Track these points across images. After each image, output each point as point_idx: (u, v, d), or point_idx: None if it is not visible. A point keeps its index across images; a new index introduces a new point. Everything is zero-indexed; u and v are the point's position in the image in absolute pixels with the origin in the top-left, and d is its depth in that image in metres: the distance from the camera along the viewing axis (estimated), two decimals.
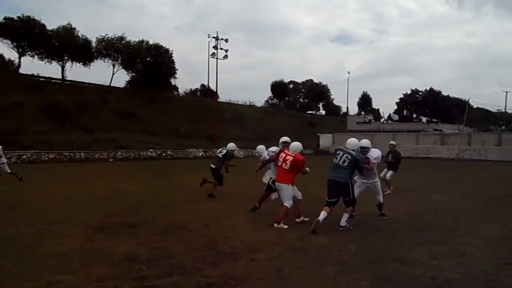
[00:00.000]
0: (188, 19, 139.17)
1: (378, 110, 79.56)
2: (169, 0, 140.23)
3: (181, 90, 57.43)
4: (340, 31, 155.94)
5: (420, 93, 73.03)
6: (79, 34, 38.07)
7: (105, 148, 28.03)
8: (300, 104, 76.93)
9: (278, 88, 66.36)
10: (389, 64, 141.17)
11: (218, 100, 46.17)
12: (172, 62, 44.48)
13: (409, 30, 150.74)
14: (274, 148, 8.16)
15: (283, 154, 7.10)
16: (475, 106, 67.43)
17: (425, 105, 70.91)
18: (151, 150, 30.19)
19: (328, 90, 75.97)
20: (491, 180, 16.24)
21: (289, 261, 4.78)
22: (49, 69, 79.46)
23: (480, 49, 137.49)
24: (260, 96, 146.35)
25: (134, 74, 43.57)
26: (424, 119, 54.25)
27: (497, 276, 4.39)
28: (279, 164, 7.09)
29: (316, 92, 74.61)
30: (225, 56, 40.63)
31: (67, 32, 36.96)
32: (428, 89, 72.04)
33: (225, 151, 10.32)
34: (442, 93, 71.68)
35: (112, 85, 41.56)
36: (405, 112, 62.43)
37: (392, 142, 12.73)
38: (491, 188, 13.27)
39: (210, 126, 38.37)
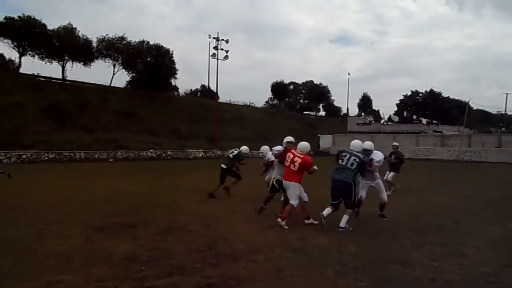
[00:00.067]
0: (189, 19, 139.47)
1: (378, 111, 79.71)
2: (170, 0, 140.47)
3: (181, 91, 57.59)
4: (341, 32, 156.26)
5: (420, 94, 73.03)
6: (80, 34, 38.15)
7: (105, 148, 28.03)
8: (300, 105, 76.96)
9: (278, 89, 66.37)
10: (389, 65, 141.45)
11: (218, 100, 46.16)
12: (173, 62, 44.54)
13: (409, 31, 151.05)
14: (278, 147, 8.09)
15: (290, 155, 7.07)
16: (475, 108, 67.66)
17: (425, 107, 70.89)
18: (151, 150, 30.19)
19: (329, 91, 76.12)
20: (491, 182, 16.22)
21: (290, 262, 4.78)
22: (50, 69, 79.80)
23: (480, 51, 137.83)
24: (260, 97, 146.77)
25: (134, 74, 43.61)
26: (424, 121, 54.23)
27: (497, 277, 4.39)
28: (287, 164, 7.07)
29: (317, 93, 74.68)
30: (226, 57, 40.64)
31: (68, 32, 36.99)
32: (428, 90, 72.09)
33: (236, 152, 10.35)
34: (442, 94, 71.75)
35: (112, 85, 41.62)
36: (405, 114, 62.38)
37: (395, 143, 12.77)
38: (491, 189, 13.26)
39: (210, 126, 38.36)
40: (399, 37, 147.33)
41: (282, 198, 7.80)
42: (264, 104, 69.73)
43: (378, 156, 7.53)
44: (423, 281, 4.25)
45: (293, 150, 7.18)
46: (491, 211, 8.90)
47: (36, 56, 36.84)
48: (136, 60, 41.61)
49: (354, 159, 6.74)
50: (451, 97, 72.51)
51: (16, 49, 36.06)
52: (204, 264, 4.62)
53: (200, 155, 33.41)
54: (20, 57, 36.84)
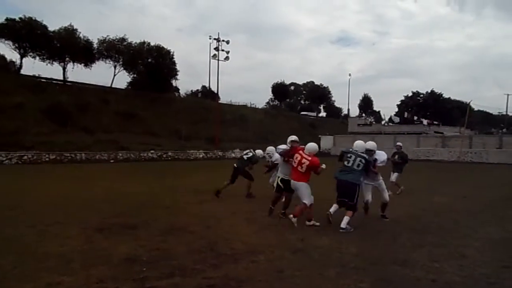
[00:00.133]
0: (190, 20, 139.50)
1: (379, 112, 79.59)
2: (171, 1, 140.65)
3: (182, 92, 57.72)
4: (341, 33, 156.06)
5: (421, 95, 73.05)
6: (81, 35, 38.26)
7: (106, 149, 28.05)
8: (301, 106, 77.00)
9: (279, 89, 66.42)
10: (390, 66, 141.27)
11: (219, 101, 46.16)
12: (174, 63, 44.60)
13: (410, 32, 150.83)
14: (283, 146, 7.97)
15: (298, 156, 7.06)
16: (476, 109, 67.61)
17: (426, 108, 70.89)
18: (152, 151, 30.20)
19: (329, 92, 76.23)
20: (491, 183, 16.21)
21: (290, 263, 4.78)
22: (51, 70, 79.66)
23: (480, 52, 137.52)
24: (261, 97, 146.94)
25: (135, 75, 43.68)
26: (425, 122, 54.16)
27: (497, 279, 4.39)
28: (294, 165, 7.07)
29: (317, 94, 74.77)
30: (226, 58, 40.63)
31: (69, 33, 37.07)
32: (429, 91, 72.15)
33: (251, 154, 10.35)
34: (443, 95, 71.79)
35: (113, 86, 41.68)
36: (406, 115, 62.29)
37: (398, 143, 12.83)
38: (491, 190, 13.26)
39: (211, 127, 38.38)
40: (399, 37, 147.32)
41: (284, 199, 7.82)
42: (265, 105, 69.92)
43: (381, 156, 7.60)
44: (423, 282, 4.25)
45: (300, 151, 7.15)
46: (491, 212, 8.90)
47: (37, 57, 36.93)
48: (137, 61, 41.68)
49: (360, 160, 6.80)
50: (452, 98, 72.68)
51: (17, 51, 36.16)
52: (205, 265, 4.63)
53: (201, 156, 33.41)
54: (21, 59, 36.96)
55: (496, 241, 6.16)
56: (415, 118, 57.60)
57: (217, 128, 37.53)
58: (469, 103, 41.99)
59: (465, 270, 4.65)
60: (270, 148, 9.50)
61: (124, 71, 42.47)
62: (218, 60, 40.11)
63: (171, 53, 43.93)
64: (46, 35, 35.90)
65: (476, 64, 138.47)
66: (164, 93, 43.88)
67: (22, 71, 37.19)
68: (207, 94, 53.92)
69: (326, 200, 7.41)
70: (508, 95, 62.47)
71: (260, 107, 61.51)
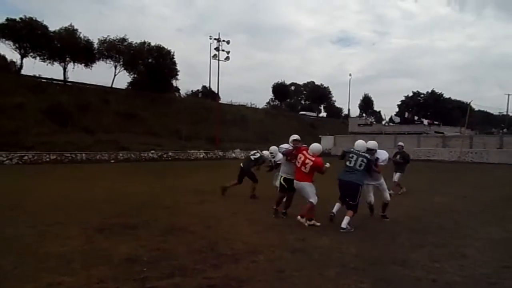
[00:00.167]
0: (190, 20, 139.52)
1: (379, 112, 79.52)
2: (171, 1, 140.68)
3: (182, 92, 57.66)
4: (341, 33, 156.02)
5: (422, 95, 72.99)
6: (81, 35, 38.18)
7: (106, 149, 28.04)
8: (301, 106, 76.96)
9: (279, 89, 66.38)
10: (390, 66, 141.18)
11: (220, 101, 46.16)
12: (174, 63, 44.54)
13: (410, 32, 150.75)
14: (285, 145, 7.94)
15: (301, 156, 7.09)
16: (476, 109, 67.58)
17: (426, 108, 70.85)
18: (152, 151, 30.20)
19: (330, 92, 76.12)
20: (492, 183, 16.21)
21: (290, 263, 4.79)
22: (51, 71, 79.88)
23: (481, 52, 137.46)
24: (262, 97, 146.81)
25: (135, 76, 43.63)
26: (425, 122, 54.13)
27: (498, 279, 4.39)
28: (298, 165, 7.10)
29: (318, 94, 74.70)
30: (227, 58, 40.61)
31: (69, 33, 37.05)
32: (429, 91, 72.10)
33: (258, 155, 10.33)
34: (444, 95, 71.73)
35: (113, 86, 41.65)
36: (406, 115, 62.28)
37: (400, 143, 12.86)
38: (491, 190, 13.26)
39: (211, 127, 38.38)
40: (400, 37, 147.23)
41: (285, 199, 7.83)
42: (265, 105, 69.81)
43: (383, 155, 7.62)
44: (423, 282, 4.25)
45: (304, 152, 7.18)
46: (491, 212, 8.90)
47: (38, 58, 36.88)
48: (137, 61, 41.65)
49: (362, 160, 6.84)
50: (453, 98, 72.57)
51: (18, 51, 36.11)
52: (205, 265, 4.63)
53: (201, 156, 33.41)
54: (21, 59, 36.92)
55: (496, 241, 6.16)
56: (416, 118, 57.59)
57: (218, 128, 37.53)
58: (470, 103, 42.01)
59: (466, 270, 4.65)
60: (274, 148, 9.50)
61: (125, 71, 42.44)
62: (218, 60, 40.12)
63: (172, 53, 43.93)
64: (46, 35, 35.88)
65: (476, 64, 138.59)
66: (165, 93, 43.85)
67: (23, 71, 37.20)
68: (208, 94, 53.89)
69: (329, 201, 7.42)
70: (508, 95, 62.62)
71: (260, 107, 61.48)
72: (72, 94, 34.32)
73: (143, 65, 42.35)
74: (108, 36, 40.06)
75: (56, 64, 37.92)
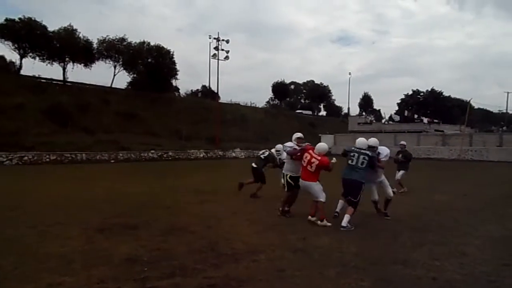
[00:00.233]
0: (190, 20, 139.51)
1: (379, 111, 79.50)
2: (171, 1, 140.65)
3: (182, 91, 57.51)
4: (341, 32, 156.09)
5: (421, 93, 73.00)
6: (81, 35, 38.10)
7: (106, 149, 28.02)
8: (301, 105, 76.86)
9: (279, 89, 66.29)
10: (390, 65, 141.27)
11: (219, 101, 46.14)
12: (174, 63, 44.48)
13: (410, 31, 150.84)
14: (289, 144, 7.88)
15: (307, 155, 7.13)
16: (476, 107, 67.49)
17: (426, 106, 70.86)
18: (152, 151, 30.18)
19: (329, 91, 76.00)
20: (492, 181, 16.22)
21: (291, 263, 4.79)
22: (51, 71, 79.82)
23: (480, 50, 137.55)
24: (261, 97, 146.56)
25: (135, 75, 43.57)
26: (425, 120, 54.14)
27: (498, 276, 4.40)
28: (304, 165, 7.14)
29: (317, 93, 74.60)
30: (226, 57, 40.60)
31: (69, 33, 36.99)
32: (429, 89, 72.10)
33: (267, 153, 10.37)
34: (443, 93, 71.72)
35: (113, 86, 41.61)
36: (406, 113, 62.26)
37: (402, 142, 12.90)
38: (491, 188, 13.27)
39: (211, 127, 38.36)
40: (399, 36, 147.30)
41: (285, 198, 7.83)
42: (265, 104, 69.72)
43: (384, 151, 7.67)
44: (424, 281, 4.26)
45: (310, 151, 7.23)
46: (491, 210, 8.91)
47: (37, 58, 36.81)
48: (137, 61, 41.60)
49: (364, 158, 6.91)
50: (452, 96, 72.59)
51: (17, 51, 36.05)
52: (206, 265, 4.64)
53: (201, 155, 33.40)
54: (21, 59, 36.87)
55: (496, 239, 6.17)
56: (416, 116, 57.57)
57: (218, 128, 37.52)
58: (469, 101, 42.01)
59: (466, 268, 4.66)
60: (279, 146, 9.58)
61: (124, 71, 42.39)
62: (218, 59, 40.11)
63: (171, 53, 43.85)
64: (45, 35, 35.83)
65: (476, 63, 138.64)
66: (164, 93, 43.81)
67: (22, 72, 37.15)
68: (207, 94, 53.85)
69: (334, 199, 7.44)
70: (508, 93, 62.62)
71: (260, 107, 61.43)
72: (72, 94, 34.29)
73: (142, 65, 42.30)
74: (107, 36, 40.06)
75: (55, 64, 37.90)
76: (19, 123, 26.86)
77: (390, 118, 59.55)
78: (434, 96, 70.67)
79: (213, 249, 5.29)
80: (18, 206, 8.42)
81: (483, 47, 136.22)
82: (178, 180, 14.94)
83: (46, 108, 29.96)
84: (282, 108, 67.40)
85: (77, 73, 61.61)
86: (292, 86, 76.89)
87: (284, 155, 8.54)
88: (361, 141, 7.28)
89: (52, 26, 37.60)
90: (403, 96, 75.23)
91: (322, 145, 7.31)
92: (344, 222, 6.62)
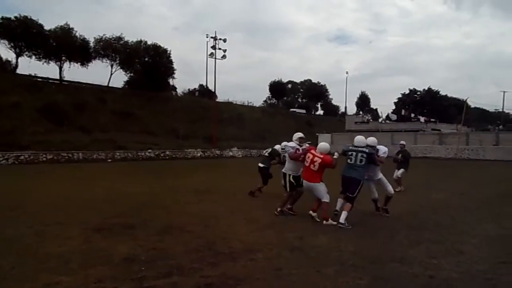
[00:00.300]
0: (186, 19, 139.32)
1: (376, 110, 79.67)
2: (168, 0, 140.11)
3: (179, 91, 57.29)
4: (338, 31, 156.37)
5: (418, 93, 73.19)
6: (77, 34, 37.95)
7: (103, 148, 27.95)
8: (298, 104, 76.85)
9: (277, 88, 66.27)
10: (387, 64, 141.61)
11: (217, 100, 46.12)
12: (170, 62, 44.37)
13: (407, 30, 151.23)
14: (291, 144, 7.87)
15: (310, 155, 7.19)
16: (472, 106, 67.77)
17: (423, 105, 71.04)
18: (149, 150, 30.12)
19: (327, 90, 76.00)
20: (488, 179, 16.28)
21: (288, 261, 4.80)
22: (47, 70, 79.46)
23: (477, 50, 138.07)
24: (259, 96, 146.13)
25: (132, 74, 43.43)
26: (422, 119, 54.24)
27: (494, 274, 4.42)
28: (307, 164, 7.19)
29: (315, 92, 74.61)
30: (224, 56, 40.59)
31: (65, 32, 36.83)
32: (426, 89, 72.29)
33: (270, 149, 10.45)
34: (440, 93, 71.94)
35: (110, 85, 41.48)
36: (403, 112, 62.31)
37: (402, 142, 13.07)
38: (488, 187, 13.32)
39: (208, 126, 38.32)
40: (396, 35, 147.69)
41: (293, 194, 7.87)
42: (262, 104, 69.64)
43: (383, 149, 7.86)
44: (421, 279, 4.27)
45: (313, 151, 7.30)
46: (488, 208, 8.95)
47: (33, 57, 36.64)
48: (133, 60, 41.48)
49: (362, 155, 7.02)
50: (449, 95, 72.82)
51: (13, 50, 35.86)
52: (203, 264, 4.64)
53: (199, 155, 33.37)
54: (17, 58, 36.70)
55: (493, 237, 6.20)
56: (412, 115, 57.70)
57: (215, 127, 37.50)
58: (466, 100, 42.17)
59: (462, 266, 4.68)
60: (285, 144, 9.53)
61: (121, 70, 42.23)
62: (215, 58, 40.09)
63: (168, 52, 43.73)
64: (42, 34, 35.65)
65: (472, 62, 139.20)
66: (161, 92, 43.71)
67: (18, 71, 36.97)
68: (204, 93, 53.79)
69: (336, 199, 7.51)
70: (504, 92, 62.92)
71: (257, 106, 61.38)
72: (68, 93, 34.16)
73: (139, 64, 42.18)
74: (104, 34, 39.91)
75: (52, 63, 37.71)
76: (15, 122, 26.76)
77: (387, 117, 59.65)
78: (431, 95, 70.85)
79: (210, 248, 5.30)
80: (18, 206, 8.39)
81: (479, 46, 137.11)
82: (177, 179, 14.90)
83: (42, 107, 29.85)
84: (279, 107, 67.36)
85: (73, 72, 61.40)
86: (290, 85, 76.83)
87: (289, 147, 8.41)
88: (359, 138, 7.37)
89: (48, 25, 37.62)
90: (400, 95, 75.49)
91: (323, 145, 7.35)
92: (342, 219, 6.69)
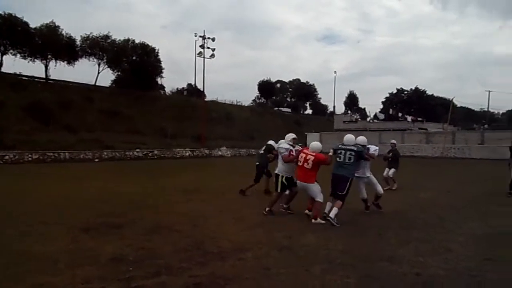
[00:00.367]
0: (175, 17, 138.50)
1: (364, 109, 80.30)
2: None
3: (167, 90, 57.00)
4: (327, 31, 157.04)
5: (406, 92, 73.92)
6: (63, 32, 37.43)
7: (90, 148, 27.65)
8: (287, 103, 77.07)
9: (265, 87, 66.39)
10: (375, 63, 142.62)
11: (205, 99, 45.97)
12: (159, 61, 44.10)
13: (394, 30, 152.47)
14: (285, 145, 7.83)
15: (303, 155, 7.24)
16: (458, 105, 68.68)
17: (410, 104, 71.82)
18: (137, 150, 29.90)
19: (315, 89, 76.39)
20: (474, 178, 16.53)
21: (277, 260, 4.80)
22: (32, 68, 77.98)
23: (463, 50, 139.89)
24: (247, 95, 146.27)
25: (119, 73, 43.02)
26: (409, 118, 54.95)
27: (480, 271, 4.48)
28: (300, 164, 7.22)
29: (303, 91, 74.89)
30: (212, 55, 40.49)
31: (51, 30, 36.28)
32: (413, 88, 73.05)
33: (265, 146, 10.43)
34: (427, 92, 72.81)
35: (97, 84, 41.03)
36: (391, 111, 63.12)
37: (393, 141, 13.32)
38: (474, 185, 13.52)
39: (197, 125, 38.20)
40: (384, 35, 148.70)
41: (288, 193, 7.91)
42: (251, 103, 69.68)
43: (372, 147, 8.09)
44: (408, 276, 4.31)
45: (305, 150, 7.38)
46: (474, 207, 9.08)
47: (18, 55, 36.07)
48: (121, 58, 41.10)
49: (350, 153, 7.12)
50: (436, 95, 73.74)
51: None
52: (192, 263, 4.61)
53: (187, 154, 33.24)
54: (1, 56, 35.97)
55: (479, 235, 6.28)
56: (400, 114, 58.37)
57: (203, 126, 37.39)
58: (452, 99, 42.79)
59: (449, 263, 4.73)
60: (282, 141, 9.50)
61: (108, 69, 41.84)
62: (203, 57, 39.98)
63: (156, 51, 43.49)
64: (27, 32, 35.03)
65: (459, 62, 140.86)
66: (149, 91, 43.40)
67: (3, 69, 36.23)
68: (193, 92, 53.59)
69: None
70: (489, 92, 63.99)
71: (246, 105, 61.39)
72: (54, 92, 33.71)
73: (127, 63, 41.81)
74: (91, 33, 39.45)
75: (37, 61, 37.12)
76: None
77: (375, 116, 60.22)
78: (418, 95, 71.65)
79: (199, 248, 5.27)
80: (4, 207, 8.24)
81: (466, 46, 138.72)
82: (166, 179, 14.81)
83: (27, 105, 29.41)
84: (268, 106, 67.45)
85: (60, 70, 60.33)
86: (278, 85, 77.01)
87: (283, 149, 8.29)
88: (348, 137, 7.49)
89: (34, 23, 36.75)
90: (387, 95, 76.16)
91: (315, 144, 7.43)
92: (332, 214, 6.77)
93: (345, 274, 4.30)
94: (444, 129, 42.58)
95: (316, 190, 7.14)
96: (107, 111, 34.96)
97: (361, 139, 7.84)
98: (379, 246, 5.56)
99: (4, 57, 36.07)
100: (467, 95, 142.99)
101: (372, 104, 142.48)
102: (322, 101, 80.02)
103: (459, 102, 71.09)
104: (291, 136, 7.99)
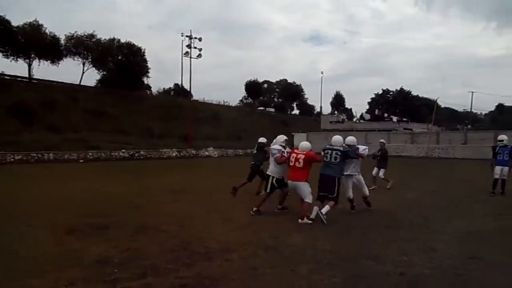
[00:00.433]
0: (161, 17, 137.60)
1: (350, 109, 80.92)
2: None
3: (154, 89, 56.61)
4: (313, 32, 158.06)
5: (391, 93, 74.73)
6: (47, 31, 36.85)
7: (74, 148, 27.31)
8: (274, 103, 77.18)
9: (252, 87, 66.38)
10: (361, 64, 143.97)
11: (192, 99, 45.74)
12: (145, 60, 43.79)
13: (380, 31, 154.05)
14: (277, 146, 7.86)
15: (294, 155, 7.34)
16: (443, 106, 69.58)
17: (395, 105, 72.61)
18: (123, 150, 29.61)
19: (302, 90, 76.72)
20: (458, 178, 16.77)
21: (263, 261, 4.79)
22: (15, 68, 76.71)
23: (447, 51, 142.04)
24: (235, 95, 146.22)
25: (105, 73, 42.59)
26: (394, 119, 55.48)
27: (465, 270, 4.54)
28: (291, 164, 7.28)
29: (290, 91, 75.12)
30: (199, 55, 40.31)
31: (34, 29, 35.66)
32: (398, 89, 73.87)
33: (256, 145, 10.42)
34: (412, 93, 73.66)
35: (82, 84, 40.50)
36: (376, 112, 63.70)
37: (382, 140, 13.65)
38: (458, 185, 13.70)
39: (183, 125, 38.00)
40: (370, 37, 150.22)
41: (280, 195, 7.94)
42: (238, 103, 69.61)
43: (362, 147, 8.22)
44: (393, 276, 4.34)
45: (296, 150, 7.48)
46: (458, 206, 9.21)
47: (0, 54, 35.38)
48: (106, 58, 40.66)
49: (336, 153, 7.25)
50: (420, 95, 74.65)
51: None
52: (178, 264, 4.58)
53: (174, 154, 33.06)
54: None
55: (463, 235, 6.37)
56: (385, 115, 58.97)
57: (190, 126, 37.21)
58: (436, 100, 43.31)
59: (434, 262, 4.78)
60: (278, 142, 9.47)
61: (94, 68, 41.35)
62: (190, 57, 39.77)
63: (142, 50, 43.18)
64: (9, 30, 34.40)
65: (443, 63, 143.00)
66: (135, 91, 43.05)
67: None
68: (180, 92, 53.29)
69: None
70: (472, 92, 64.75)
71: (233, 105, 61.32)
72: (37, 92, 33.17)
73: (112, 62, 41.40)
74: (75, 32, 38.92)
75: (20, 61, 36.49)
76: None
77: (361, 116, 60.71)
78: (403, 96, 72.48)
79: (185, 248, 5.24)
80: None
81: (450, 47, 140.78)
82: (153, 179, 14.70)
83: (10, 105, 28.88)
84: (255, 106, 67.45)
85: (43, 70, 59.44)
86: (265, 85, 77.10)
87: (275, 150, 8.29)
88: (335, 138, 7.63)
89: (16, 21, 36.06)
90: (373, 96, 76.88)
91: (305, 143, 7.54)
92: (324, 210, 6.86)
93: (332, 274, 4.31)
94: (428, 129, 43.11)
95: (306, 190, 7.17)
96: (92, 111, 34.55)
97: (350, 139, 8.04)
98: (366, 246, 5.59)
99: None
100: (451, 96, 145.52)
101: (358, 105, 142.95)
102: (309, 102, 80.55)
103: (443, 102, 72.39)
104: (282, 137, 8.04)
